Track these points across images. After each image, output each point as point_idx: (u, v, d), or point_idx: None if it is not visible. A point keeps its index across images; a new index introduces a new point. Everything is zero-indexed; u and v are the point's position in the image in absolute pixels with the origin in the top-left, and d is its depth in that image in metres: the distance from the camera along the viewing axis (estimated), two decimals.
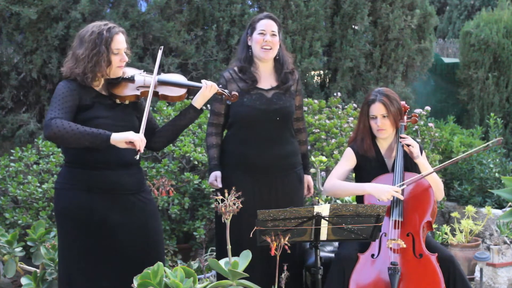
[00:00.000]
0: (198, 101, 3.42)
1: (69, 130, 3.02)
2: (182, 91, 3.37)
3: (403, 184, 3.60)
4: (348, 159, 3.83)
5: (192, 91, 3.43)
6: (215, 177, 3.80)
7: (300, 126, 4.01)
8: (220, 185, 3.73)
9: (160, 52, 3.45)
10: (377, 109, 3.73)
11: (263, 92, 3.80)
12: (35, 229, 4.07)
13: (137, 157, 3.11)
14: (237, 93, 3.53)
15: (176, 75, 3.49)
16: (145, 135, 3.42)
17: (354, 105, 6.17)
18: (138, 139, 3.07)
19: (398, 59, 7.17)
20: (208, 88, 3.40)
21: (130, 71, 3.36)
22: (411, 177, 3.64)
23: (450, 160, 3.78)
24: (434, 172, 3.66)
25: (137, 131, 3.34)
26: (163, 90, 3.35)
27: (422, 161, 3.70)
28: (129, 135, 3.08)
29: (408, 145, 3.71)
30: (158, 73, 3.39)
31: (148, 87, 3.29)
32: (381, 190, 3.56)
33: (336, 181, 3.76)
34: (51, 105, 3.13)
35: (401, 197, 3.57)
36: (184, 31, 6.12)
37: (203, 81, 3.44)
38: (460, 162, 6.20)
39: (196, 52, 6.20)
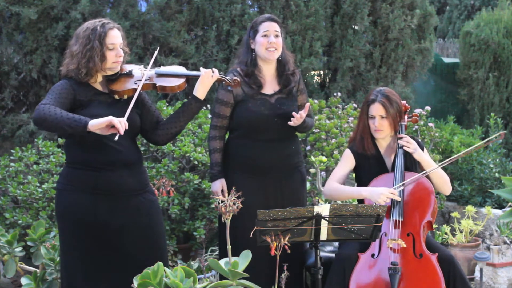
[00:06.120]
0: (199, 90, 3.34)
1: (53, 113, 2.96)
2: (180, 80, 3.31)
3: (402, 185, 3.60)
4: (347, 161, 3.83)
5: (191, 81, 3.36)
6: (221, 186, 3.80)
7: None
8: (224, 197, 3.70)
9: (156, 53, 3.44)
10: (376, 109, 3.72)
11: (267, 97, 3.80)
12: (35, 229, 4.07)
13: (116, 138, 2.99)
14: (238, 79, 3.46)
15: (175, 66, 3.42)
16: (149, 127, 3.39)
17: (354, 105, 6.16)
18: (118, 122, 2.96)
19: (398, 59, 7.15)
20: (207, 75, 3.32)
21: (129, 67, 3.34)
22: (411, 177, 3.64)
23: (451, 158, 3.77)
24: (434, 170, 3.65)
25: (137, 128, 3.33)
26: (161, 82, 3.30)
27: (422, 157, 3.70)
28: (108, 118, 2.97)
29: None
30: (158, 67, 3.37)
31: (146, 80, 3.26)
32: (376, 193, 3.56)
33: (334, 184, 3.76)
34: (46, 96, 3.10)
35: (398, 198, 3.56)
36: (184, 31, 6.12)
37: (201, 69, 3.37)
38: (460, 162, 6.20)
39: (196, 52, 6.19)
